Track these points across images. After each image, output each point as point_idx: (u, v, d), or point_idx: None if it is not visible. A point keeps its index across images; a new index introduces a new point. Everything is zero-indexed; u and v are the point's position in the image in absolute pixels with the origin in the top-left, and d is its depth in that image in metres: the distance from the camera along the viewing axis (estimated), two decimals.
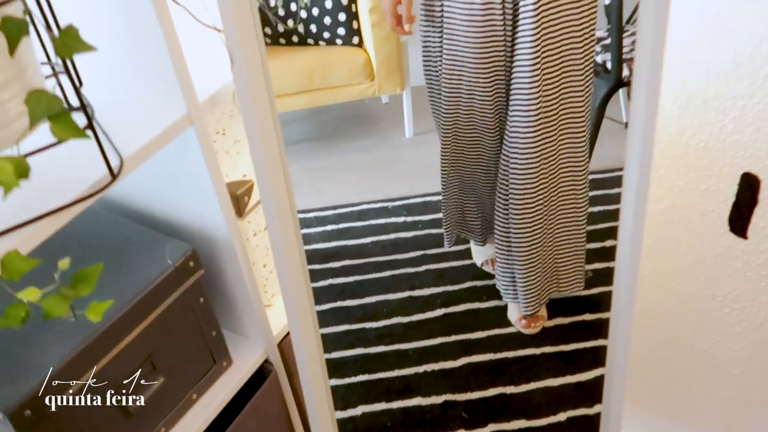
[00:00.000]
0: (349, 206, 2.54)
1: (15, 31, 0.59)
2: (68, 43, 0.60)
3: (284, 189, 0.94)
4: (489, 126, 1.72)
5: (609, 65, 2.05)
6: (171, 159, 0.94)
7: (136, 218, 1.07)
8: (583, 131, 1.65)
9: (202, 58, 0.91)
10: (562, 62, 1.55)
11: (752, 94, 0.76)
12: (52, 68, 0.84)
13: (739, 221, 0.84)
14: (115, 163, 0.79)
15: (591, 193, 2.40)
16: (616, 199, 2.37)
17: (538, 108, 1.56)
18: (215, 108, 1.00)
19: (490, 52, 1.58)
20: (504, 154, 1.69)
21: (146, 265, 0.95)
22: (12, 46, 0.60)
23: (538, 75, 1.53)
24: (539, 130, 1.59)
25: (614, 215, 2.31)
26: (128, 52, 0.86)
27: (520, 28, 1.53)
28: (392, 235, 2.36)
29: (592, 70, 1.58)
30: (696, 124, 0.82)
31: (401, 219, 2.44)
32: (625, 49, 2.06)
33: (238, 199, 1.05)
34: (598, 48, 2.17)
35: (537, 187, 1.67)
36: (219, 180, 0.94)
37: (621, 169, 2.75)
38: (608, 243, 2.18)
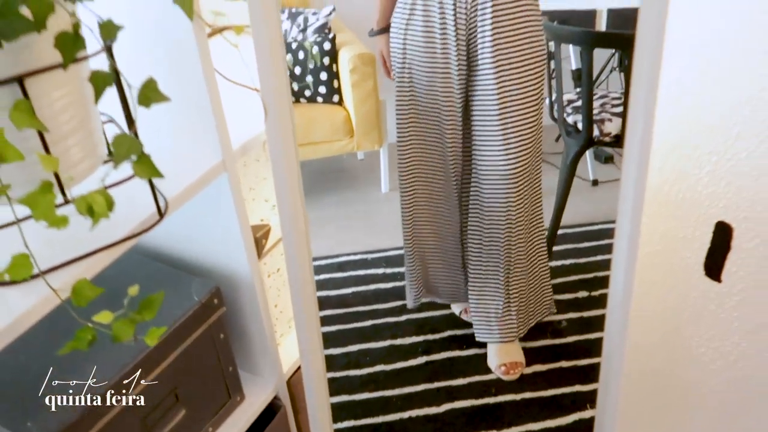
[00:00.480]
0: (329, 258, 2.61)
1: (101, 82, 0.67)
2: (148, 94, 0.68)
3: (303, 229, 1.02)
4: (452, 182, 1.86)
5: (579, 126, 2.19)
6: (199, 202, 1.01)
7: (157, 258, 1.13)
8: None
9: (233, 110, 0.99)
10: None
11: (725, 150, 0.86)
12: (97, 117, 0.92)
13: (714, 266, 0.92)
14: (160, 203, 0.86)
15: (561, 247, 2.52)
16: (585, 252, 2.50)
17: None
18: (243, 157, 1.08)
19: (449, 98, 1.74)
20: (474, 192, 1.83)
21: (174, 301, 1.01)
22: (97, 96, 0.67)
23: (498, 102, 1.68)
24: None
25: (584, 268, 2.42)
26: (174, 104, 0.93)
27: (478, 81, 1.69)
28: (372, 286, 2.44)
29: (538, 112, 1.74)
30: (675, 177, 0.92)
31: (380, 270, 2.51)
32: (594, 111, 2.21)
33: (257, 241, 1.12)
34: (569, 110, 2.31)
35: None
36: (245, 223, 1.01)
37: (589, 224, 2.88)
38: (580, 294, 2.29)
